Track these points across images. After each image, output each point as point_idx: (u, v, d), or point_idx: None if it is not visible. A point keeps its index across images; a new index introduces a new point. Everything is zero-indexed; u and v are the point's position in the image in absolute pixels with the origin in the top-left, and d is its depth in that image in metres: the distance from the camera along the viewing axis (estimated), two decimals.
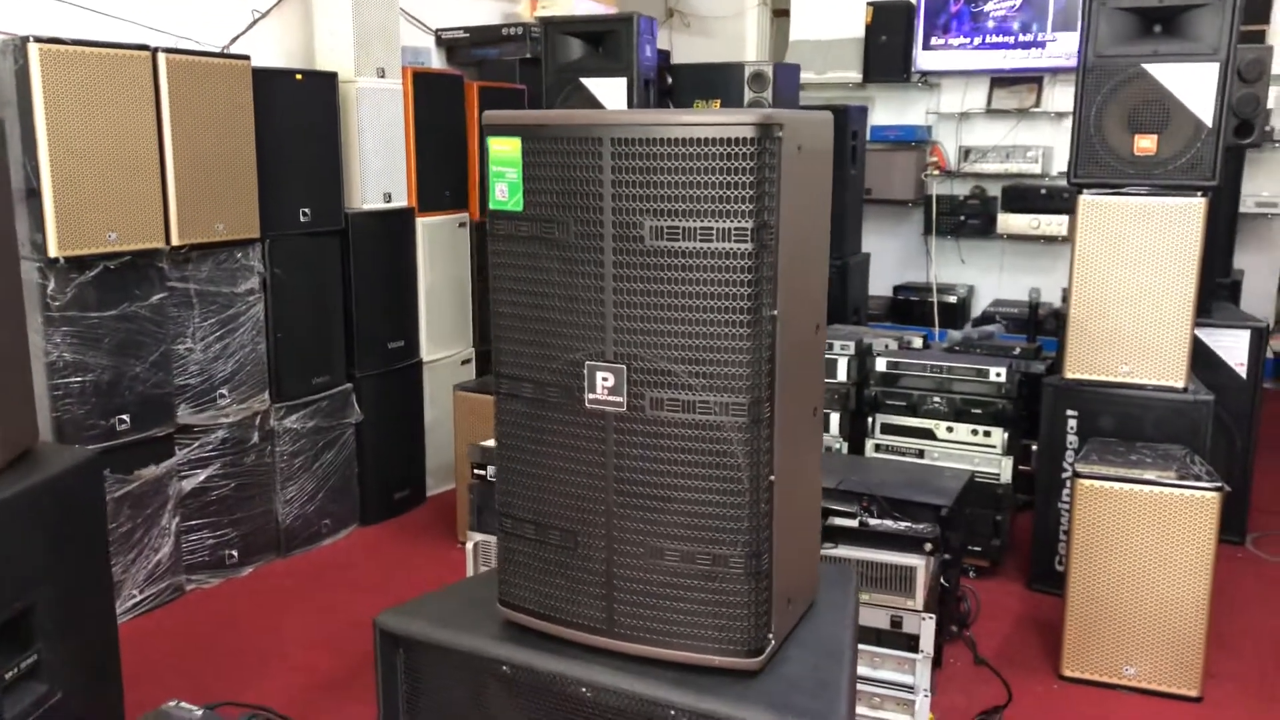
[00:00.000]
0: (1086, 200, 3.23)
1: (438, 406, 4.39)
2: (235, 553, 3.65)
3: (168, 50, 3.20)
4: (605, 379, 1.23)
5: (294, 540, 3.87)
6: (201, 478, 3.53)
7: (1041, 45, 5.88)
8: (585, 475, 1.27)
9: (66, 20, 3.31)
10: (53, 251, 2.93)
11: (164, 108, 3.19)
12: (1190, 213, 3.10)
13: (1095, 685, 2.94)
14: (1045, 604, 3.39)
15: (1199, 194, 3.10)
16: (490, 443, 2.83)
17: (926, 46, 6.17)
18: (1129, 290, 3.21)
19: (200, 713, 1.77)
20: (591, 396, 1.24)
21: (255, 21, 3.91)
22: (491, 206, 1.27)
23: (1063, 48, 5.79)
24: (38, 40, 2.87)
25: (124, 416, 3.23)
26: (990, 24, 5.99)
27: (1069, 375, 3.36)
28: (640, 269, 1.18)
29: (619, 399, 1.23)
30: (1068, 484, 3.41)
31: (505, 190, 1.24)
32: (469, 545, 2.79)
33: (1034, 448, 3.90)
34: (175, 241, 3.27)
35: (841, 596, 1.50)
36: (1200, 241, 3.11)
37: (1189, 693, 2.87)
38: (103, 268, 3.11)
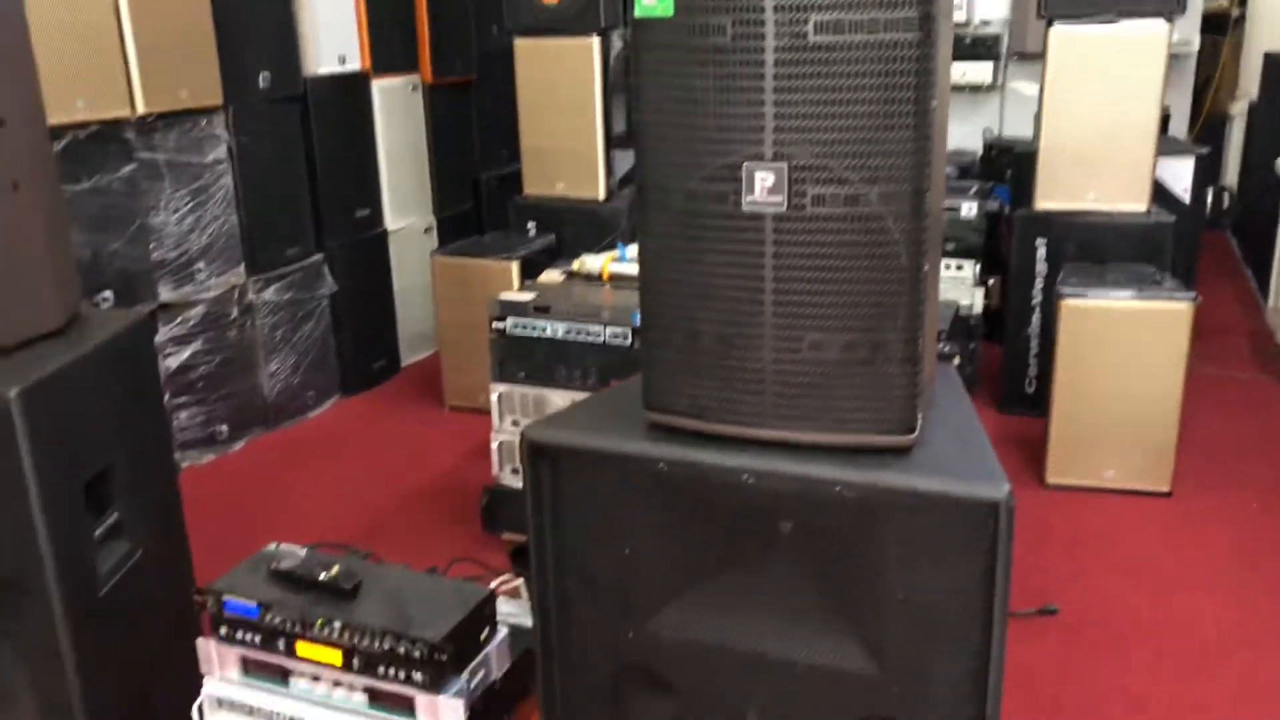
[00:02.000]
0: (1058, 31, 3.33)
1: (405, 275, 4.35)
2: (225, 428, 3.62)
3: None
4: (764, 179, 1.27)
5: (281, 413, 3.84)
6: (185, 355, 3.46)
7: None
8: (741, 278, 1.32)
9: None
10: None
11: None
12: (1157, 38, 3.23)
13: (1078, 490, 3.20)
14: (1019, 424, 3.62)
15: (1163, 18, 3.22)
16: (509, 295, 2.84)
17: None
18: (1097, 118, 3.35)
19: (304, 551, 1.81)
20: (750, 198, 1.28)
21: None
22: (638, 14, 1.27)
23: None
24: None
25: (106, 294, 3.12)
26: None
27: (1039, 206, 3.51)
28: (802, 65, 1.22)
29: (778, 198, 1.27)
30: (1037, 310, 3.61)
31: None
32: (494, 396, 2.82)
33: (989, 282, 4.10)
34: (140, 110, 3.12)
35: (953, 385, 1.61)
36: (1165, 64, 3.25)
37: (1161, 489, 3.15)
38: (72, 138, 2.95)
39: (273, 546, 1.86)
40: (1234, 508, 3.07)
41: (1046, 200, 3.49)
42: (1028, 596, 2.59)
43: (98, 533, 1.89)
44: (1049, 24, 3.34)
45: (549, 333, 2.76)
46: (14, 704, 1.88)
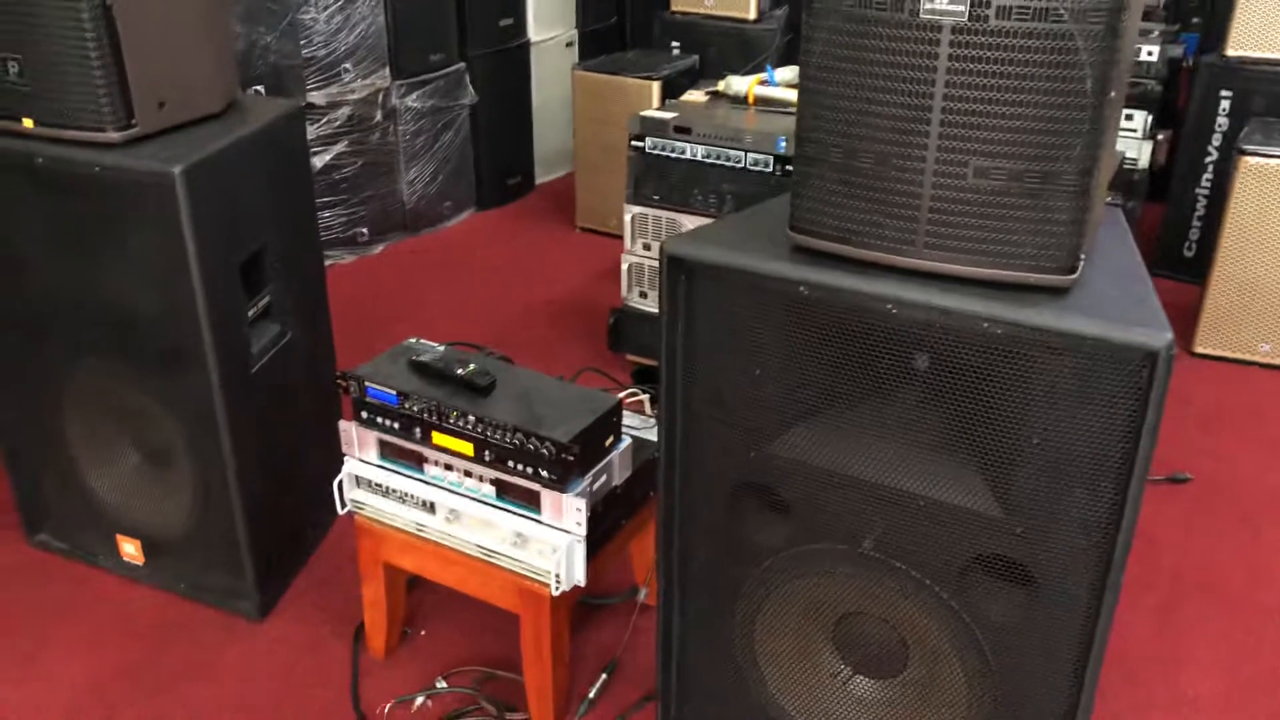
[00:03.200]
0: None
1: (544, 90, 4.30)
2: (366, 230, 3.72)
3: None
4: None
5: (419, 221, 3.92)
6: (330, 156, 3.53)
7: None
8: (909, 95, 1.24)
9: None
10: None
11: None
12: None
13: (1228, 361, 3.04)
14: (1172, 289, 3.44)
15: None
16: (651, 112, 2.78)
17: None
18: None
19: (442, 348, 1.86)
20: (928, 5, 1.19)
21: None
22: None
23: None
24: None
25: (259, 87, 3.18)
26: None
27: (1230, 52, 3.21)
28: None
29: (960, 7, 1.18)
30: (1210, 169, 3.36)
31: None
32: (627, 217, 2.81)
33: (1160, 138, 3.81)
34: None
35: (1120, 231, 1.52)
36: None
37: None
38: None
39: (413, 340, 1.92)
40: None
41: (1239, 47, 3.19)
42: (1160, 463, 2.51)
43: (251, 312, 1.99)
44: None
45: (688, 154, 2.70)
46: (174, 464, 2.04)
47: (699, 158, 2.69)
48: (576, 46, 4.44)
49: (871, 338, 1.38)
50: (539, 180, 4.46)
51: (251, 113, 2.00)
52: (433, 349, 1.87)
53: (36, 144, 1.80)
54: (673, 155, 2.72)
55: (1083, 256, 1.27)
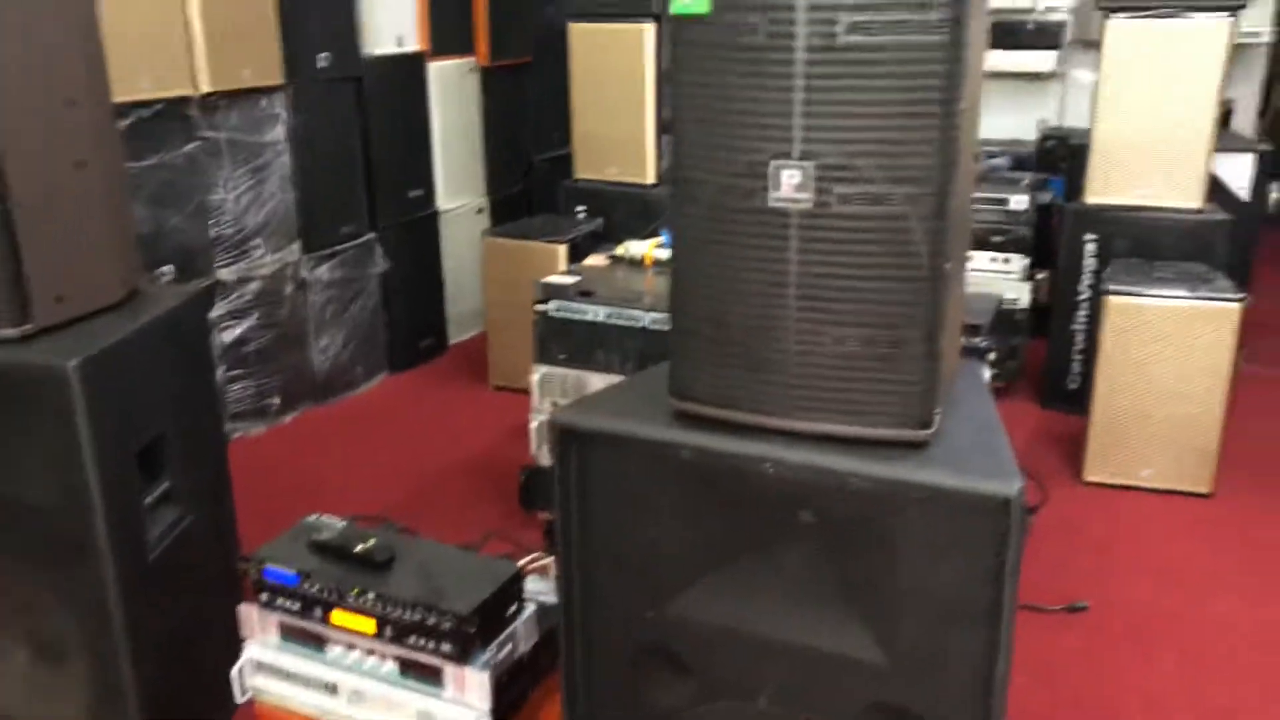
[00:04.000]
0: (1115, 24, 3.28)
1: (454, 256, 4.42)
2: (277, 400, 3.72)
3: None
4: (791, 176, 1.29)
5: (330, 388, 3.94)
6: (241, 329, 3.56)
7: None
8: (767, 272, 1.35)
9: None
10: None
11: None
12: (1217, 33, 3.18)
13: (1115, 488, 3.17)
14: (1060, 421, 3.60)
15: (1226, 13, 3.16)
16: (554, 278, 2.89)
17: None
18: (1152, 114, 3.30)
19: (343, 524, 1.88)
20: (776, 195, 1.31)
21: None
22: (674, 11, 1.30)
23: None
24: None
25: (167, 268, 3.23)
26: None
27: (1090, 200, 3.48)
28: (832, 66, 1.24)
29: (805, 195, 1.30)
30: (1084, 307, 3.58)
31: None
32: (534, 377, 2.88)
33: (1037, 276, 4.07)
34: (204, 88, 3.21)
35: (976, 379, 1.63)
36: (1225, 61, 3.20)
37: (1201, 490, 3.11)
38: (136, 117, 3.05)
39: (313, 518, 1.93)
40: (1275, 513, 3.03)
41: (1097, 195, 3.46)
42: (1057, 592, 2.59)
43: (149, 500, 1.98)
44: (1106, 16, 3.30)
45: (590, 316, 2.80)
46: (66, 659, 1.98)
47: (601, 319, 2.79)
48: (487, 212, 4.60)
49: (756, 496, 1.44)
50: (452, 340, 4.54)
51: (152, 301, 2.04)
52: (332, 526, 1.88)
53: None
54: (576, 317, 2.82)
55: (938, 411, 1.37)
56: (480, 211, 4.56)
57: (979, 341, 2.64)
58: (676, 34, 1.32)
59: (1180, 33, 3.21)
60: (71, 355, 1.76)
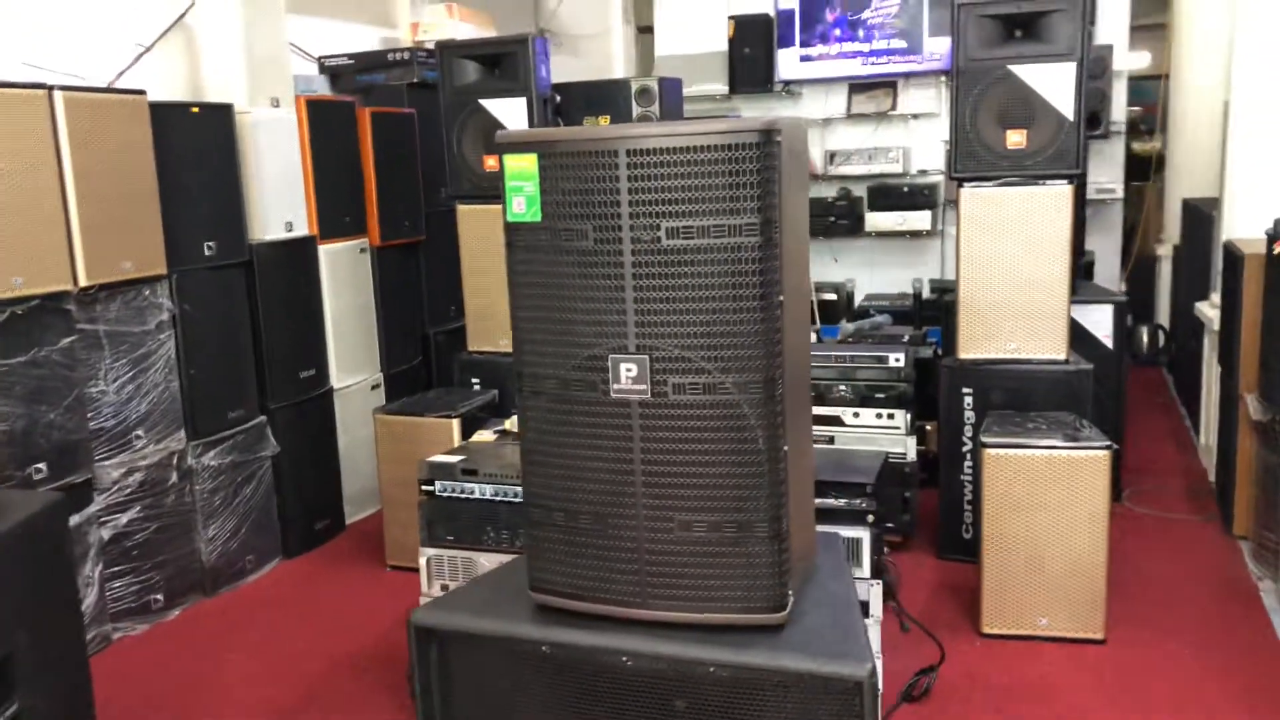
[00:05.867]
0: (968, 193, 3.51)
1: (350, 433, 4.38)
2: (161, 597, 3.57)
3: (64, 88, 3.13)
4: (629, 370, 1.34)
5: (219, 578, 3.80)
6: (122, 523, 3.44)
7: (895, 52, 6.24)
8: (612, 460, 1.38)
9: None
10: None
11: (63, 146, 3.12)
12: (1061, 199, 3.42)
13: (1013, 639, 3.20)
14: (957, 571, 3.64)
15: (1066, 181, 3.42)
16: (439, 458, 2.88)
17: (805, 58, 6.43)
18: (1011, 273, 3.51)
19: None
20: (616, 387, 1.35)
21: (140, 55, 3.84)
22: (509, 219, 1.36)
23: (927, 50, 6.13)
24: None
25: (40, 465, 3.13)
26: (861, 33, 6.29)
27: (962, 356, 3.63)
28: (657, 267, 1.30)
29: (642, 387, 1.34)
30: (969, 457, 3.68)
31: (523, 203, 1.34)
32: (422, 560, 2.83)
33: (927, 428, 4.20)
34: (83, 282, 3.20)
35: (835, 558, 1.65)
36: (1070, 224, 3.43)
37: (1095, 636, 3.15)
38: (10, 313, 3.01)
39: None
40: (1167, 656, 3.08)
41: (969, 350, 3.61)
42: None
43: None
44: (959, 185, 3.53)
45: (477, 494, 2.79)
46: None
47: (488, 496, 2.78)
48: (383, 388, 4.59)
49: (618, 689, 1.42)
50: (350, 519, 4.44)
51: (5, 511, 1.97)
52: None
53: None
54: (463, 496, 2.80)
55: (791, 594, 1.38)
56: (376, 387, 4.55)
57: (861, 503, 2.68)
58: (513, 239, 1.38)
59: (1027, 198, 3.45)
60: None
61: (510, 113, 3.93)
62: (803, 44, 6.51)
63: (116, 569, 3.42)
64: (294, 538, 4.12)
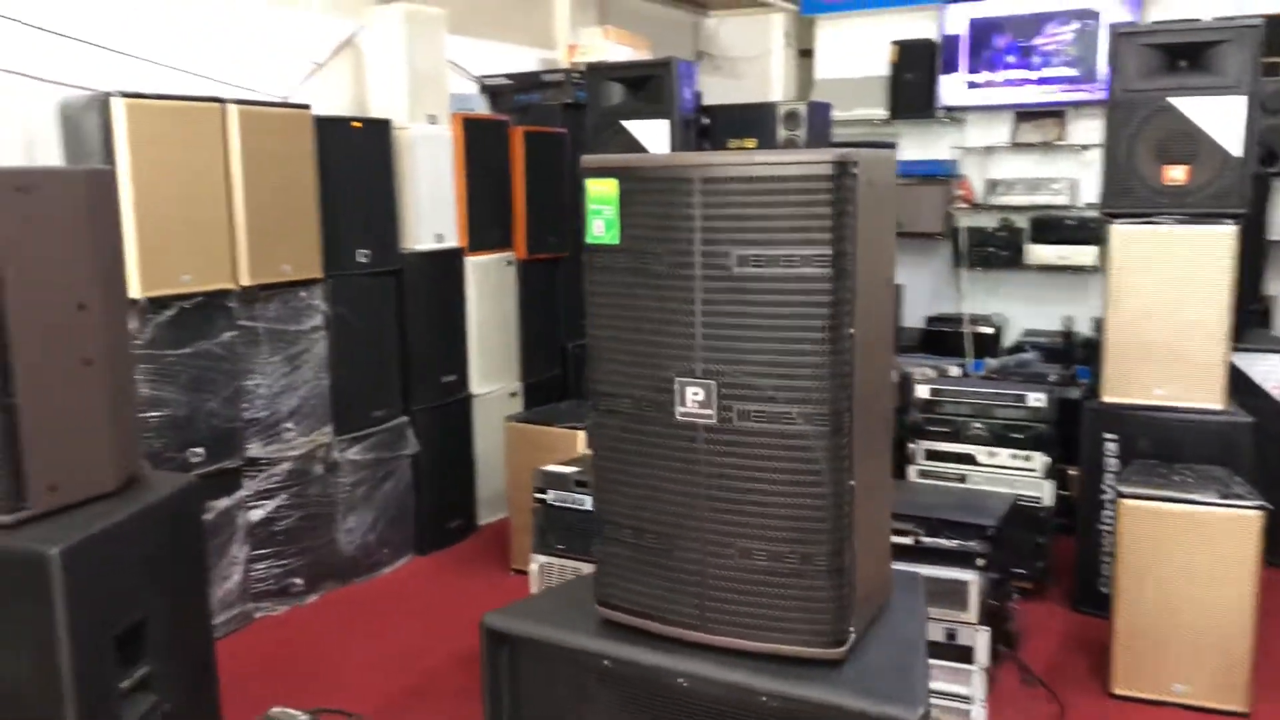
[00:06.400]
0: (1120, 229, 3.34)
1: (487, 438, 4.53)
2: (301, 581, 3.78)
3: (236, 102, 3.39)
4: (695, 393, 1.35)
5: (356, 569, 4.00)
6: (269, 508, 3.67)
7: (1067, 81, 6.00)
8: (678, 482, 1.39)
9: (142, 75, 3.50)
10: (135, 293, 3.10)
11: (233, 156, 3.38)
12: (1222, 241, 3.21)
13: (1145, 703, 3.01)
14: (1090, 625, 3.45)
15: (1229, 221, 3.21)
16: (554, 467, 2.96)
17: (971, 84, 6.27)
18: (1164, 315, 3.31)
19: (305, 717, 1.89)
20: (682, 410, 1.37)
21: (313, 72, 4.11)
22: (589, 240, 1.41)
23: (1101, 78, 5.87)
24: (122, 95, 3.06)
25: (198, 449, 3.38)
26: (1036, 59, 6.08)
27: (1107, 399, 3.45)
28: (726, 294, 1.32)
29: (708, 411, 1.35)
30: (1109, 506, 3.49)
31: (602, 226, 1.38)
32: (533, 567, 2.90)
33: (1070, 472, 4.00)
34: (245, 282, 3.44)
35: (912, 598, 1.61)
36: (1232, 267, 3.21)
37: (1238, 709, 2.93)
38: (179, 308, 3.27)
39: (276, 710, 1.95)
40: None
41: (1114, 393, 3.43)
42: None
43: (126, 684, 2.03)
44: (1110, 221, 3.37)
45: (587, 505, 2.84)
46: None
47: None
48: (521, 397, 4.73)
49: (673, 709, 1.43)
50: (482, 522, 4.59)
51: (148, 488, 2.15)
52: (295, 718, 1.90)
53: None
54: (573, 506, 2.86)
55: (852, 631, 1.36)
56: (514, 395, 4.69)
57: (975, 545, 2.59)
58: (591, 261, 1.42)
59: (1184, 238, 3.25)
60: (55, 543, 1.86)
61: (652, 134, 3.99)
62: (970, 70, 6.34)
63: (261, 552, 3.65)
64: (427, 535, 4.29)
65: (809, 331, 1.28)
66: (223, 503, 3.49)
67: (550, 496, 2.88)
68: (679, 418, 1.37)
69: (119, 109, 3.06)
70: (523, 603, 1.65)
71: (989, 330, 6.27)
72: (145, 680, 2.08)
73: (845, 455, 1.31)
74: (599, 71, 4.08)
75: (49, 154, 3.23)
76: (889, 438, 1.51)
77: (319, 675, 3.25)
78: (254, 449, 3.60)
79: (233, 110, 3.36)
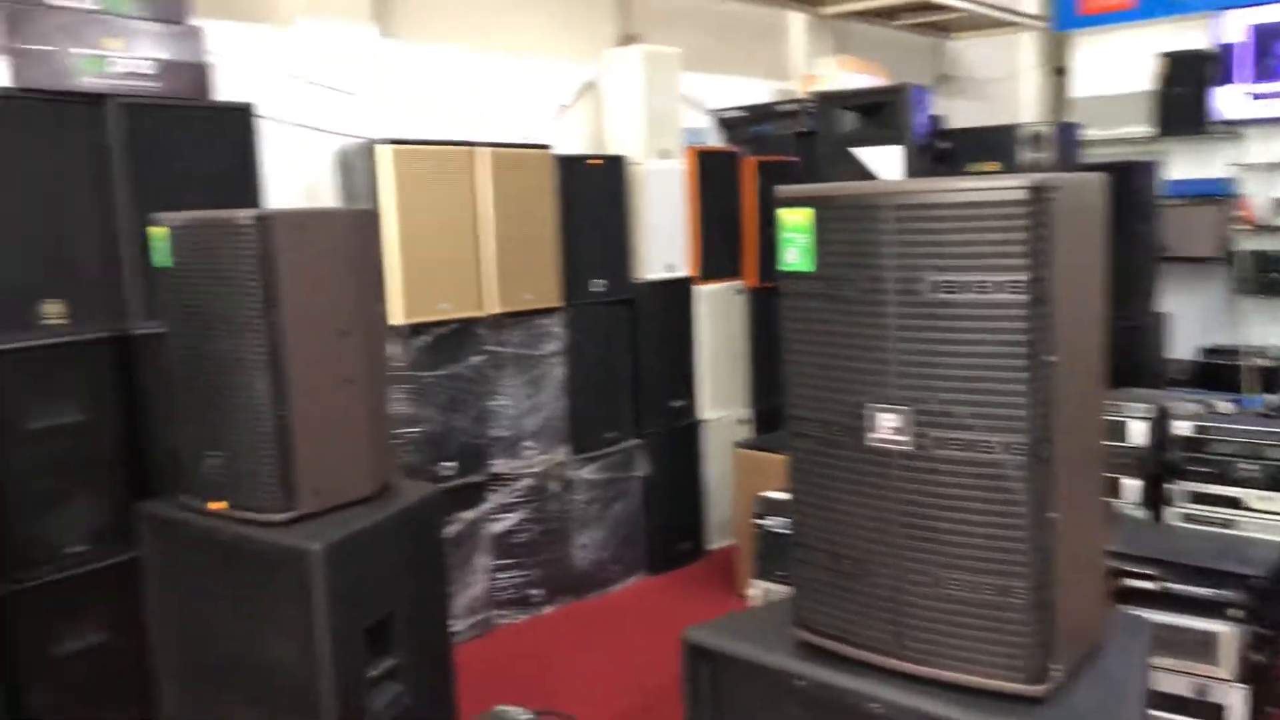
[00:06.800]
0: None
1: (716, 463, 4.60)
2: (539, 593, 4.00)
3: (486, 144, 3.67)
4: (889, 420, 1.36)
5: (589, 584, 4.17)
6: (510, 522, 3.91)
7: None
8: (871, 508, 1.40)
9: (407, 124, 3.85)
10: (399, 319, 3.42)
11: (483, 194, 3.65)
12: None
13: None
14: None
15: None
16: (773, 493, 2.99)
17: (1255, 95, 5.78)
18: None
19: (531, 716, 2.02)
20: (874, 435, 1.37)
21: (559, 115, 4.38)
22: (782, 268, 1.45)
23: None
24: (387, 142, 3.40)
25: (449, 464, 3.67)
26: None
27: None
28: (920, 319, 1.31)
29: (903, 438, 1.35)
30: None
31: (797, 254, 1.42)
32: (754, 592, 2.94)
33: None
34: (493, 310, 3.71)
35: (1132, 642, 1.52)
36: None
37: None
38: (435, 334, 3.58)
39: (501, 708, 2.10)
40: None
41: None
42: None
43: (374, 672, 2.24)
44: None
45: None
46: None
47: None
48: (753, 423, 4.78)
49: None
50: (711, 546, 4.66)
51: (399, 495, 2.38)
52: (519, 715, 2.04)
53: (222, 522, 2.23)
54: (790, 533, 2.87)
55: (1057, 668, 1.31)
56: (744, 421, 4.74)
57: (1231, 595, 2.39)
58: (786, 286, 1.46)
59: None
60: (318, 540, 2.10)
61: (885, 160, 3.96)
62: (1254, 79, 5.84)
63: (505, 561, 3.90)
64: (657, 555, 4.41)
65: (1006, 359, 1.26)
66: (469, 515, 3.76)
67: (770, 522, 2.91)
68: (873, 443, 1.38)
69: (384, 155, 3.40)
70: (725, 619, 1.70)
71: (1271, 364, 5.70)
72: (392, 671, 2.29)
73: (1046, 486, 1.27)
74: (830, 100, 4.10)
75: (326, 197, 3.63)
76: (1100, 470, 1.44)
77: (548, 683, 3.42)
78: (498, 465, 3.86)
79: (482, 153, 3.64)
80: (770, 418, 4.84)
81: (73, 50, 2.72)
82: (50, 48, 2.69)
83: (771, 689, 1.51)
